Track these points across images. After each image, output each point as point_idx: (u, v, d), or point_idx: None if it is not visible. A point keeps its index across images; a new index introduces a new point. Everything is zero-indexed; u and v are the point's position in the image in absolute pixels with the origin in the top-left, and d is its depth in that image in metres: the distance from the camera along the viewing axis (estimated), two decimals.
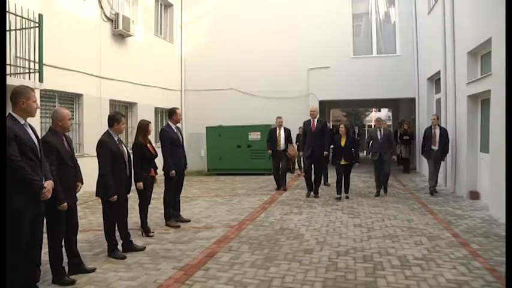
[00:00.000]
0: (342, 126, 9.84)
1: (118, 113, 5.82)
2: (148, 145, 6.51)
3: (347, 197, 9.57)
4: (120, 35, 12.60)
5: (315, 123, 9.86)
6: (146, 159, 6.40)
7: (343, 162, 9.46)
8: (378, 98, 16.78)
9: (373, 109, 35.28)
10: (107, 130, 5.50)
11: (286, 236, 6.34)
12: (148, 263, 5.11)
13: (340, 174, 9.52)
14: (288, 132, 11.26)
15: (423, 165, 13.44)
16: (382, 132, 9.95)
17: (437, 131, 9.90)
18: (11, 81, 7.43)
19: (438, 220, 7.19)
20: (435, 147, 9.85)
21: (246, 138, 14.63)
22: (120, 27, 12.18)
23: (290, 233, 6.52)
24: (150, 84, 14.24)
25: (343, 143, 9.44)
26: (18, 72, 8.01)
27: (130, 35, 12.85)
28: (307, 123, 10.05)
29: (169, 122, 7.32)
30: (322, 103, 16.58)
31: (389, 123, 25.65)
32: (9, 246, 3.75)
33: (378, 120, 10.46)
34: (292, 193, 10.51)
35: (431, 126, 10.05)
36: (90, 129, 10.84)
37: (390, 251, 5.44)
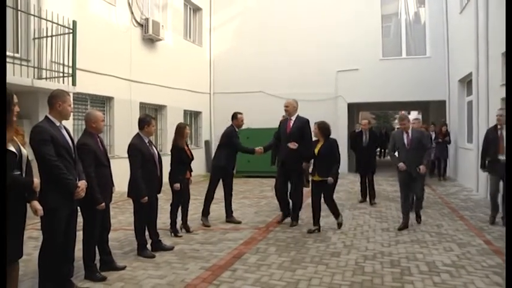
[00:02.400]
0: (315, 125, 6.88)
1: (148, 115, 5.93)
2: (185, 148, 6.66)
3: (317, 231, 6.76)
4: (150, 39, 12.83)
5: (292, 122, 7.22)
6: (183, 162, 6.53)
7: (316, 177, 6.70)
8: (407, 101, 16.52)
9: (403, 112, 34.76)
10: (137, 133, 5.61)
11: (314, 238, 6.34)
12: (177, 263, 5.20)
13: (316, 195, 6.78)
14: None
15: (457, 171, 13.22)
16: (410, 135, 6.97)
17: (504, 133, 6.80)
18: (47, 84, 7.68)
19: (469, 226, 7.04)
20: (502, 157, 6.78)
21: None
22: (150, 31, 12.41)
23: (317, 235, 6.51)
24: (179, 87, 14.43)
25: (317, 150, 6.74)
26: (53, 76, 8.25)
27: (160, 39, 13.07)
28: (282, 123, 7.49)
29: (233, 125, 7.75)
30: (351, 105, 16.47)
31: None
32: (45, 242, 3.91)
33: (402, 118, 7.25)
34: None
35: (495, 126, 7.18)
36: (120, 131, 11.08)
37: (418, 257, 5.37)
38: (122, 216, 7.92)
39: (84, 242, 4.65)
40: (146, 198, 5.31)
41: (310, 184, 6.96)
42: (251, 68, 16.39)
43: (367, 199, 9.39)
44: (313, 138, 7.02)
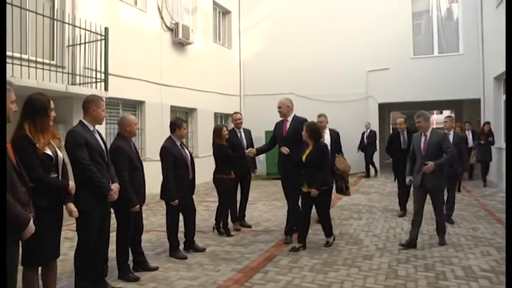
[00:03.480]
0: (304, 127, 5.90)
1: (179, 118, 6.04)
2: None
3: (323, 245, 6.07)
4: (180, 43, 12.97)
5: (288, 123, 6.44)
6: (226, 161, 6.61)
7: (305, 188, 5.78)
8: (439, 100, 16.14)
9: (435, 111, 34.04)
10: (170, 136, 5.69)
11: (346, 241, 6.28)
12: (208, 264, 5.23)
13: (305, 208, 5.89)
14: (335, 136, 7.46)
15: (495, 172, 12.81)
16: (428, 138, 5.92)
17: None
18: (80, 90, 7.87)
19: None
20: None
21: None
22: (180, 35, 12.55)
23: (349, 238, 6.44)
24: (209, 90, 14.54)
25: (304, 156, 5.80)
26: (86, 82, 8.45)
27: (190, 43, 13.20)
28: (278, 125, 6.65)
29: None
30: (381, 106, 16.24)
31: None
32: (80, 243, 4.01)
33: (418, 115, 6.01)
34: (352, 198, 10.31)
35: None
36: (152, 134, 11.24)
37: (453, 261, 5.23)
38: (153, 218, 8.03)
39: (118, 243, 4.74)
40: (177, 201, 5.38)
41: (301, 193, 5.95)
42: (281, 70, 16.36)
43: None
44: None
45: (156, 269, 5.02)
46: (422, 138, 5.97)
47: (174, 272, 4.94)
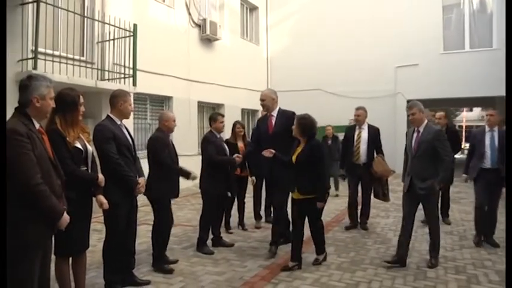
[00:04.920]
0: (295, 121, 4.98)
1: (216, 113, 6.22)
2: (240, 144, 6.85)
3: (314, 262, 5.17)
4: (208, 39, 13.02)
5: (273, 119, 5.62)
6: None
7: (296, 194, 4.94)
8: (470, 97, 15.73)
9: (465, 108, 33.25)
10: (210, 129, 5.94)
11: (373, 239, 6.19)
12: (235, 260, 5.24)
13: (297, 218, 5.01)
14: (374, 133, 6.86)
15: None
16: (420, 134, 4.97)
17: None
18: (109, 85, 7.97)
19: None
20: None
21: None
22: (208, 32, 12.61)
23: (377, 237, 6.35)
24: (236, 86, 14.55)
25: (295, 156, 4.91)
26: (115, 77, 8.56)
27: (218, 39, 13.24)
28: (260, 121, 5.92)
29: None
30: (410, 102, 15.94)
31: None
32: (108, 236, 4.06)
33: (411, 106, 5.10)
34: None
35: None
36: (179, 129, 11.26)
37: (486, 264, 5.05)
38: (180, 212, 8.09)
39: (155, 234, 4.89)
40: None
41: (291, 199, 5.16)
42: (308, 66, 16.24)
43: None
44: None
45: (175, 262, 5.08)
46: (415, 134, 5.04)
47: (201, 267, 4.96)
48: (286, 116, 5.48)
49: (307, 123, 4.84)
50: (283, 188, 5.29)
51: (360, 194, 6.89)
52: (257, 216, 7.18)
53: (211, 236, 5.87)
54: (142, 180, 4.23)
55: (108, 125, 4.05)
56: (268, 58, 17.24)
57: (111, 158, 3.92)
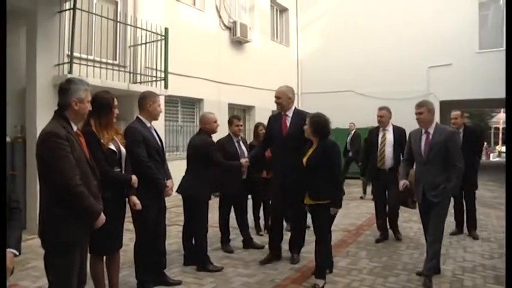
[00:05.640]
0: (308, 120, 4.54)
1: (232, 116, 6.27)
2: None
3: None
4: (238, 42, 13.10)
5: (288, 119, 5.16)
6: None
7: (307, 200, 4.54)
8: None
9: (502, 109, 32.23)
10: (228, 133, 5.96)
11: (406, 244, 6.04)
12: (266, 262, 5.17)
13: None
14: (399, 135, 6.16)
15: None
16: (431, 136, 4.56)
17: None
18: (141, 88, 8.06)
19: None
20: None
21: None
22: (238, 34, 12.69)
23: (410, 241, 6.19)
24: (267, 88, 14.51)
25: (305, 158, 4.51)
26: (147, 80, 8.71)
27: (248, 41, 13.31)
28: (273, 120, 5.37)
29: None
30: (443, 104, 15.59)
31: None
32: (138, 236, 4.13)
33: (420, 105, 4.73)
34: None
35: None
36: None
37: None
38: (210, 213, 8.09)
39: (196, 236, 4.98)
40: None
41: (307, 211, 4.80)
42: (339, 67, 16.09)
43: (464, 229, 6.60)
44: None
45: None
46: (424, 137, 4.58)
47: (232, 269, 4.97)
48: (303, 117, 4.92)
49: (320, 121, 4.46)
50: (296, 200, 4.86)
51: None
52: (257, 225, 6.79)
53: (241, 238, 5.95)
54: (170, 183, 4.29)
55: (138, 128, 4.10)
56: (298, 60, 17.21)
57: (141, 161, 3.97)
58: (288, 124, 5.09)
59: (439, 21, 14.65)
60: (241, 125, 6.04)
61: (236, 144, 5.82)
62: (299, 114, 5.10)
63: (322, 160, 4.34)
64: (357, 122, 14.68)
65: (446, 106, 17.94)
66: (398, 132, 6.16)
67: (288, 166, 4.85)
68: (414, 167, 4.90)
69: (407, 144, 4.90)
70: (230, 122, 5.96)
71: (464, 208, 6.47)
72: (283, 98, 5.16)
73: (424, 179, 4.47)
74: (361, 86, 15.75)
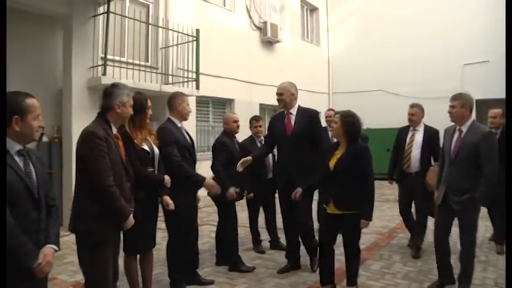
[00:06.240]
0: (339, 118, 3.98)
1: (252, 117, 6.25)
2: None
3: None
4: (269, 42, 13.11)
5: (292, 117, 4.79)
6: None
7: (331, 209, 3.95)
8: None
9: None
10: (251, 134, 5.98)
11: None
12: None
13: (329, 237, 4.09)
14: (430, 136, 5.49)
15: None
16: (463, 134, 4.05)
17: None
18: (173, 89, 8.16)
19: None
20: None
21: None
22: (269, 34, 12.71)
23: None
24: (297, 88, 14.51)
25: (333, 162, 3.96)
26: (178, 81, 8.82)
27: (278, 41, 13.30)
28: (276, 120, 5.02)
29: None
30: (479, 102, 15.12)
31: None
32: (171, 235, 4.18)
33: (455, 97, 4.23)
34: None
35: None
36: (241, 132, 11.42)
37: None
38: (242, 214, 8.11)
39: (223, 236, 5.02)
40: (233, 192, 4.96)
41: (322, 220, 4.38)
42: (370, 66, 15.85)
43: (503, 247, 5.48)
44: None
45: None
46: (456, 135, 4.08)
47: (264, 269, 4.95)
48: (308, 115, 4.71)
49: (355, 122, 3.96)
50: (303, 205, 4.49)
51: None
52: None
53: (269, 238, 5.96)
54: (211, 181, 4.28)
55: (170, 128, 4.15)
56: (329, 59, 17.07)
57: (174, 160, 3.99)
58: (293, 123, 4.72)
59: (474, 16, 14.21)
60: (260, 126, 5.98)
61: (259, 144, 5.76)
62: (304, 112, 4.78)
63: (353, 164, 3.83)
64: (388, 121, 14.50)
65: (483, 105, 17.45)
66: (430, 132, 5.51)
67: (294, 167, 4.51)
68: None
69: (443, 143, 4.37)
70: (250, 123, 5.98)
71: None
72: (286, 95, 4.84)
73: (449, 181, 4.00)
74: (393, 85, 15.47)
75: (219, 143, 5.06)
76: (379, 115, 14.89)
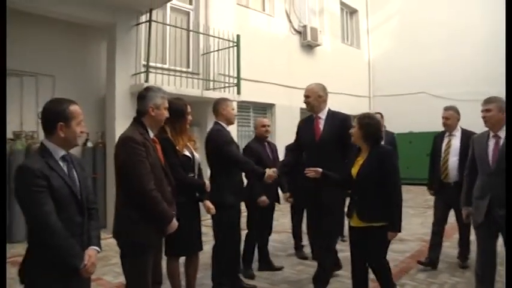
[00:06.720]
0: (357, 122, 3.64)
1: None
2: None
3: None
4: (309, 46, 13.04)
5: (321, 122, 4.37)
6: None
7: (355, 221, 3.58)
8: None
9: None
10: None
11: None
12: (342, 270, 4.87)
13: (356, 254, 3.68)
14: (469, 141, 4.28)
15: None
16: (501, 141, 3.63)
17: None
18: (214, 95, 8.28)
19: None
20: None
21: None
22: (308, 38, 12.64)
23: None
24: (338, 91, 14.32)
25: (355, 169, 3.60)
26: (219, 87, 8.90)
27: (318, 45, 13.20)
28: (304, 125, 4.58)
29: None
30: None
31: None
32: (220, 239, 4.17)
33: (489, 101, 3.85)
34: None
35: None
36: (282, 136, 11.41)
37: None
38: (284, 219, 8.09)
39: (248, 240, 4.97)
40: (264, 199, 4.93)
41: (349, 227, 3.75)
42: (412, 68, 15.45)
43: None
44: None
45: (280, 268, 5.10)
46: (492, 142, 3.65)
47: (306, 275, 4.86)
48: (339, 119, 4.32)
49: (372, 123, 3.58)
50: (335, 216, 4.09)
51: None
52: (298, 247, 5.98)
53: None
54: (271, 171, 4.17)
55: (223, 129, 4.20)
56: (369, 62, 16.80)
57: (234, 156, 4.04)
58: (322, 127, 4.31)
59: None
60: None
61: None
62: (334, 116, 4.37)
63: (377, 171, 3.44)
64: (431, 125, 14.00)
65: None
66: (468, 137, 4.61)
67: (323, 182, 3.87)
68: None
69: (471, 154, 3.93)
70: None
71: None
72: (313, 97, 4.43)
73: (493, 193, 3.53)
74: (435, 87, 14.99)
75: (246, 147, 5.12)
76: (422, 118, 14.47)
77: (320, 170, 3.71)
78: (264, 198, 4.75)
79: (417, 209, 9.33)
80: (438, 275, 4.91)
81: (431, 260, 5.10)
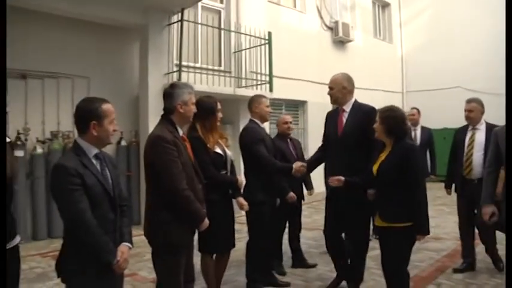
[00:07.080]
0: (379, 116, 3.37)
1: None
2: None
3: None
4: (340, 42, 12.93)
5: (345, 115, 4.09)
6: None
7: (378, 221, 3.33)
8: None
9: None
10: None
11: None
12: (375, 269, 4.74)
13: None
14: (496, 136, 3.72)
15: None
16: None
17: None
18: (246, 92, 8.34)
19: None
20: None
21: None
22: (340, 33, 12.53)
23: None
24: (370, 87, 14.13)
25: (376, 166, 3.36)
26: (251, 84, 8.92)
27: (350, 40, 13.08)
28: (330, 118, 4.38)
29: None
30: None
31: None
32: (254, 236, 4.16)
33: None
34: None
35: None
36: (314, 134, 11.35)
37: None
38: (317, 216, 8.04)
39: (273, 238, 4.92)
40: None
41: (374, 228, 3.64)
42: (446, 62, 15.01)
43: None
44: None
45: (313, 266, 5.06)
46: None
47: None
48: (364, 111, 3.98)
49: (395, 116, 3.31)
50: (361, 220, 3.93)
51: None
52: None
53: None
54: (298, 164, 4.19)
55: (256, 128, 4.22)
56: (402, 56, 16.47)
57: (262, 156, 4.04)
58: (344, 121, 4.03)
59: None
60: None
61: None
62: (360, 109, 4.05)
63: (398, 168, 3.20)
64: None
65: None
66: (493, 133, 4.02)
67: (340, 174, 3.62)
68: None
69: (493, 148, 3.61)
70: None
71: None
72: (337, 89, 4.14)
73: None
74: (471, 82, 14.54)
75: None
76: (457, 113, 14.00)
77: (342, 178, 3.55)
78: (291, 194, 4.72)
79: (452, 207, 8.92)
80: (477, 276, 4.70)
81: (467, 265, 4.83)
